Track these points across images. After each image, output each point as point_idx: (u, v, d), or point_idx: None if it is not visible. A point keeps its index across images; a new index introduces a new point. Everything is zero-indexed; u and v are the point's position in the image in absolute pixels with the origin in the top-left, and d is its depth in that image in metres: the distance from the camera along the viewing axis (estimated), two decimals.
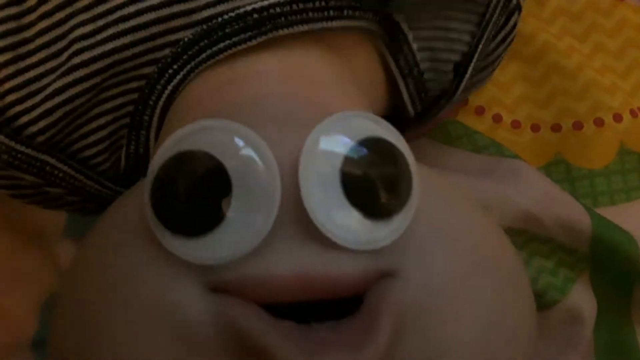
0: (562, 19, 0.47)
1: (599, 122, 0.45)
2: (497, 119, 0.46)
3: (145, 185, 0.26)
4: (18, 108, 0.32)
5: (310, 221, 0.24)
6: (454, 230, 0.27)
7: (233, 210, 0.24)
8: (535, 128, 0.46)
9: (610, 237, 0.42)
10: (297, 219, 0.24)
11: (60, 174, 0.34)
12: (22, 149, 0.33)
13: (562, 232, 0.42)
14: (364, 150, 0.25)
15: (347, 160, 0.25)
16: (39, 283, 0.43)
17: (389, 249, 0.25)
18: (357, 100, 0.33)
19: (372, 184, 0.25)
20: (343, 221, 0.24)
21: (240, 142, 0.25)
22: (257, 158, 0.24)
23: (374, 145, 0.25)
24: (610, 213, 0.44)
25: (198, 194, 0.25)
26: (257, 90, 0.31)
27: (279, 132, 0.26)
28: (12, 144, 0.32)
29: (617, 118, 0.45)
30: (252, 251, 0.24)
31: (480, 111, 0.46)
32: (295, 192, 0.24)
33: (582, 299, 0.42)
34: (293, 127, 0.26)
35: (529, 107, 0.46)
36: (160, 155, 0.26)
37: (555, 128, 0.45)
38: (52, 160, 0.33)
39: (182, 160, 0.25)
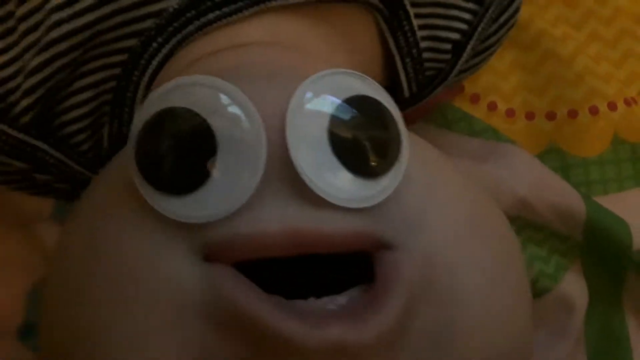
0: (557, 6, 0.47)
1: (594, 110, 0.45)
2: (492, 107, 0.46)
3: (129, 144, 0.25)
4: (4, 88, 0.31)
5: (298, 179, 0.24)
6: (445, 196, 0.27)
7: (219, 168, 0.24)
8: (530, 116, 0.45)
9: (604, 223, 0.41)
10: (284, 176, 0.24)
11: (51, 160, 0.33)
12: (15, 133, 0.32)
13: (556, 218, 0.41)
14: (352, 109, 0.25)
15: (334, 119, 0.24)
16: (26, 270, 0.42)
17: (381, 214, 0.24)
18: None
19: (360, 144, 0.25)
20: (331, 179, 0.24)
21: (225, 99, 0.24)
22: (242, 115, 0.24)
23: (361, 104, 0.25)
24: (603, 202, 0.44)
25: (183, 152, 0.24)
26: (242, 58, 0.30)
27: (264, 90, 0.25)
28: (4, 127, 0.31)
29: (612, 106, 0.45)
30: (240, 209, 0.24)
31: (475, 99, 0.46)
32: (282, 150, 0.24)
33: (573, 287, 0.42)
34: (278, 85, 0.26)
35: (524, 94, 0.45)
36: (144, 112, 0.25)
37: (550, 116, 0.45)
38: (44, 146, 0.32)
39: (167, 117, 0.25)
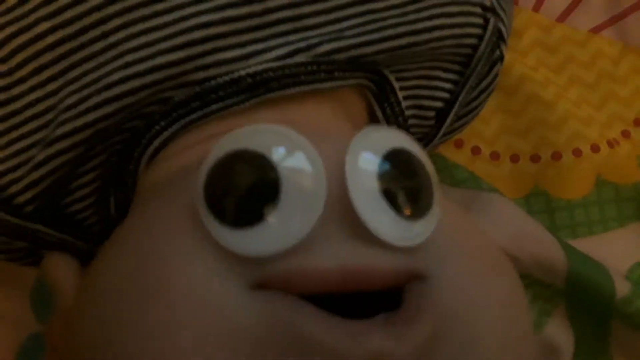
0: (537, 51, 0.48)
1: (577, 153, 0.45)
2: (476, 151, 0.46)
3: (199, 176, 0.26)
4: (8, 178, 0.32)
5: (352, 221, 0.26)
6: (466, 239, 0.29)
7: (280, 208, 0.25)
8: (514, 159, 0.46)
9: (586, 272, 0.42)
10: (339, 220, 0.26)
11: (53, 239, 0.33)
12: (12, 219, 0.32)
13: (538, 268, 0.42)
14: (395, 161, 0.27)
15: (382, 170, 0.27)
16: (16, 325, 0.42)
17: (418, 252, 0.27)
18: None
19: (404, 190, 0.27)
20: (385, 221, 0.26)
21: (292, 147, 0.26)
22: (307, 163, 0.26)
23: (401, 156, 0.28)
24: (588, 244, 0.44)
25: (249, 191, 0.26)
26: None
27: (321, 144, 0.27)
28: (2, 214, 0.32)
29: (595, 148, 0.46)
30: (297, 247, 0.25)
31: (459, 144, 0.46)
32: (339, 195, 0.26)
33: (558, 332, 0.42)
34: (329, 140, 0.28)
35: (509, 137, 0.46)
36: (218, 149, 0.27)
37: (535, 159, 0.46)
38: (44, 229, 0.33)
39: (239, 157, 0.26)
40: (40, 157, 0.32)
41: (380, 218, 0.26)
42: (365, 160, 0.27)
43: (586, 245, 0.44)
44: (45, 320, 0.41)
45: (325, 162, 0.26)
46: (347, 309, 0.25)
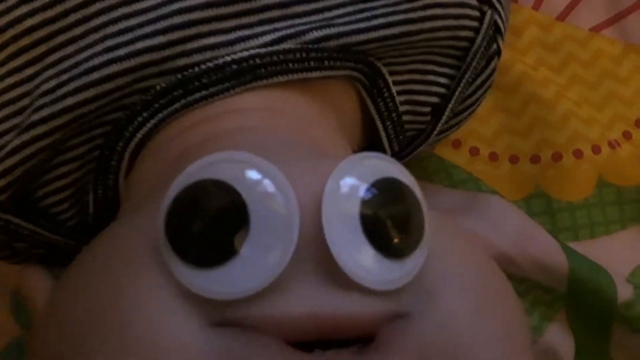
0: (537, 50, 0.47)
1: (578, 154, 0.45)
2: (474, 152, 0.45)
3: (160, 210, 0.25)
4: None
5: (328, 260, 0.24)
6: (462, 269, 0.27)
7: (248, 245, 0.23)
8: (514, 159, 0.45)
9: (588, 277, 0.41)
10: (313, 258, 0.24)
11: (25, 232, 0.33)
12: None
13: (538, 271, 0.41)
14: (380, 192, 0.25)
15: (365, 202, 0.25)
16: None
17: (402, 291, 0.25)
18: (338, 137, 0.33)
19: (389, 227, 0.25)
20: (362, 261, 0.24)
21: (260, 176, 0.24)
22: (278, 194, 0.24)
23: (389, 187, 0.25)
24: (590, 247, 0.43)
25: (214, 225, 0.24)
26: (239, 123, 0.31)
27: (297, 171, 0.25)
28: None
29: (596, 150, 0.45)
30: (265, 289, 0.23)
31: (456, 144, 0.45)
32: (314, 231, 0.24)
33: (558, 338, 0.42)
34: (305, 166, 0.26)
35: (508, 138, 0.45)
36: (179, 181, 0.25)
37: (535, 159, 0.45)
38: (16, 220, 0.32)
39: (202, 189, 0.24)
40: (16, 143, 0.31)
41: (358, 258, 0.24)
42: (348, 188, 0.25)
43: (588, 248, 0.43)
44: (27, 327, 0.40)
45: (299, 189, 0.24)
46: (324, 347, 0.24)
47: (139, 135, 0.31)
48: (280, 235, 0.23)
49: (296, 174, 0.25)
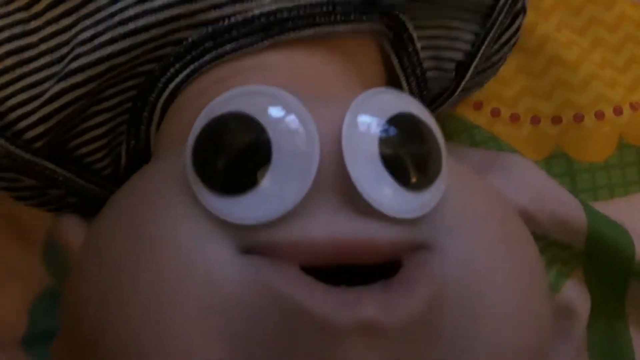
0: (561, 12, 0.47)
1: (600, 115, 0.45)
2: (495, 113, 0.46)
3: (187, 143, 0.26)
4: (18, 112, 0.32)
5: (348, 190, 0.25)
6: (480, 207, 0.28)
7: (271, 173, 0.25)
8: (535, 120, 0.45)
9: (606, 233, 0.41)
10: (334, 188, 0.25)
11: (60, 178, 0.33)
12: (21, 153, 0.32)
13: (557, 229, 0.41)
14: (398, 127, 0.26)
15: (384, 136, 0.25)
16: (28, 281, 0.42)
17: (422, 223, 0.25)
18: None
19: (408, 159, 0.26)
20: (383, 191, 0.25)
21: (284, 110, 0.25)
22: (300, 126, 0.25)
23: (406, 121, 0.26)
24: (608, 207, 0.44)
25: (240, 154, 0.25)
26: (265, 82, 0.31)
27: (319, 106, 0.26)
28: (12, 148, 0.32)
29: (618, 111, 0.45)
30: (288, 215, 0.24)
31: (478, 106, 0.46)
32: (335, 162, 0.25)
33: (575, 294, 0.42)
34: (326, 102, 0.26)
35: (530, 99, 0.45)
36: (206, 114, 0.26)
37: (556, 120, 0.45)
38: (52, 165, 0.33)
39: (228, 120, 0.26)
40: (55, 90, 0.31)
41: (377, 187, 0.25)
42: (366, 123, 0.26)
43: (607, 208, 0.43)
44: (59, 276, 0.41)
45: (320, 124, 0.25)
46: (346, 277, 0.25)
47: (171, 86, 0.32)
48: (301, 169, 0.24)
49: (316, 108, 0.25)
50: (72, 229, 0.32)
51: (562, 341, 0.41)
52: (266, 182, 0.24)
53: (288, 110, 0.25)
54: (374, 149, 0.25)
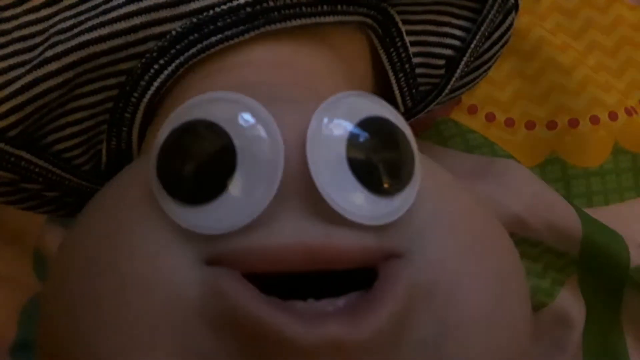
0: (556, 15, 0.47)
1: (595, 120, 0.44)
2: (490, 118, 0.45)
3: (152, 151, 0.25)
4: None
5: (315, 196, 0.24)
6: (453, 211, 0.27)
7: (235, 182, 0.24)
8: (530, 125, 0.45)
9: (600, 241, 0.41)
10: (300, 194, 0.24)
11: (37, 169, 0.33)
12: None
13: (552, 236, 0.41)
14: (367, 131, 0.25)
15: (351, 140, 0.25)
16: (18, 288, 0.42)
17: (391, 229, 0.25)
18: (347, 89, 0.33)
19: (376, 164, 0.25)
20: (349, 197, 0.24)
21: (248, 116, 0.25)
22: (264, 133, 0.24)
23: (375, 125, 0.25)
24: (603, 213, 0.43)
25: (203, 163, 0.24)
26: (248, 77, 0.31)
27: (283, 111, 0.25)
28: None
29: (613, 116, 0.45)
30: (254, 223, 0.24)
31: (472, 110, 0.45)
32: (300, 168, 0.24)
33: (570, 302, 0.42)
34: (296, 106, 0.26)
35: (524, 104, 0.45)
36: (170, 122, 0.25)
37: (551, 125, 0.45)
38: (27, 155, 0.32)
39: (192, 129, 0.25)
40: (28, 79, 0.31)
41: (343, 193, 0.24)
42: (333, 127, 0.25)
43: (602, 214, 0.43)
44: None
45: (285, 130, 0.24)
46: (317, 285, 0.24)
47: (155, 84, 0.31)
48: (266, 176, 0.24)
49: (281, 114, 0.25)
50: (56, 239, 0.32)
51: (558, 350, 0.41)
52: (231, 190, 0.24)
53: (252, 116, 0.25)
54: (340, 153, 0.24)
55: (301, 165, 0.24)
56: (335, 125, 0.25)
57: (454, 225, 0.26)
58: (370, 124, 0.25)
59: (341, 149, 0.24)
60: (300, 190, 0.24)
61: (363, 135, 0.25)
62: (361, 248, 0.24)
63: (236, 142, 0.24)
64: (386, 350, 0.23)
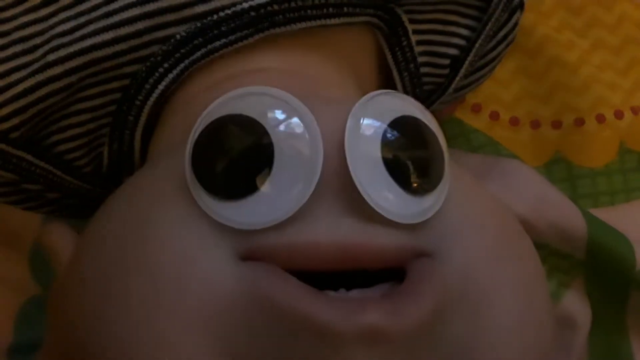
0: (561, 13, 0.47)
1: (601, 119, 0.44)
2: (494, 116, 0.45)
3: (187, 146, 0.25)
4: None
5: (352, 194, 0.24)
6: (480, 213, 0.27)
7: (272, 178, 0.24)
8: (535, 124, 0.45)
9: (606, 242, 0.41)
10: (338, 191, 0.24)
11: (38, 170, 0.33)
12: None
13: (557, 238, 0.41)
14: (400, 130, 0.25)
15: (386, 140, 0.25)
16: (15, 290, 0.42)
17: (424, 229, 0.25)
18: (356, 94, 0.32)
19: (410, 163, 0.25)
20: (386, 195, 0.24)
21: (287, 112, 0.25)
22: (303, 129, 0.25)
23: (409, 125, 0.26)
24: (609, 214, 0.43)
25: (241, 158, 0.25)
26: (260, 84, 0.30)
27: (321, 109, 0.25)
28: None
29: (619, 115, 0.44)
30: (290, 219, 0.24)
31: (477, 109, 0.45)
32: (338, 165, 0.24)
33: (575, 305, 0.41)
34: (329, 104, 0.26)
35: (529, 102, 0.45)
36: (205, 117, 0.25)
37: (556, 124, 0.44)
38: (29, 157, 0.32)
39: (229, 123, 0.25)
40: (30, 82, 0.30)
41: (381, 192, 0.24)
42: (368, 127, 0.25)
43: (607, 215, 0.42)
44: (46, 285, 0.40)
45: (323, 128, 0.24)
46: (348, 285, 0.24)
47: (160, 87, 0.31)
48: (304, 173, 0.24)
49: (318, 110, 0.25)
50: (60, 236, 0.31)
51: (564, 352, 0.40)
52: (268, 186, 0.24)
53: (290, 112, 0.25)
54: (376, 152, 0.25)
55: (339, 162, 0.24)
56: (370, 124, 0.25)
57: (481, 229, 0.26)
58: (402, 123, 0.25)
59: (376, 148, 0.25)
60: (338, 187, 0.24)
61: (396, 135, 0.25)
62: (396, 247, 0.24)
63: (273, 137, 0.24)
64: (420, 348, 0.23)
